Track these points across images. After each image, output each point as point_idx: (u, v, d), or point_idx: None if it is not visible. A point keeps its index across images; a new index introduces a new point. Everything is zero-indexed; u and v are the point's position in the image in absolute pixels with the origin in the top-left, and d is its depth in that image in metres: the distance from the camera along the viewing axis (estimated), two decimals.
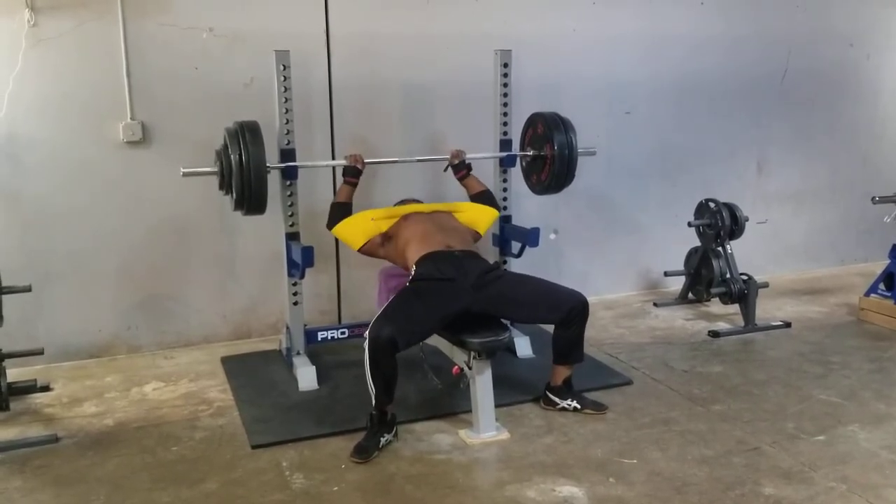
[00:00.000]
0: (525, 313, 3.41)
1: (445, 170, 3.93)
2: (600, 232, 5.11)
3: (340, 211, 3.67)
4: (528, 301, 3.32)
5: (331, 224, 3.68)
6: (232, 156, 3.26)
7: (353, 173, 3.69)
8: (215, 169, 3.39)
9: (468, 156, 3.90)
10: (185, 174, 3.38)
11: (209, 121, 4.04)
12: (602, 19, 4.81)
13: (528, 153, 3.98)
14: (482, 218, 3.80)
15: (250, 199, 3.31)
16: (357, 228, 3.64)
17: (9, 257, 3.78)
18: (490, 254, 4.09)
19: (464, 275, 3.29)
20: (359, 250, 3.67)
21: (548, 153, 3.83)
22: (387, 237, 3.63)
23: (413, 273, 3.37)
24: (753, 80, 5.34)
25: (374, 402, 3.04)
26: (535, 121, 3.96)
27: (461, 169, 3.87)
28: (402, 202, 3.95)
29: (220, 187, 3.43)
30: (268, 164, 3.34)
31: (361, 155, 3.70)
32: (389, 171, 4.39)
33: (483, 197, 3.88)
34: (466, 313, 3.19)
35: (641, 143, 5.09)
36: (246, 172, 3.24)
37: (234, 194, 3.32)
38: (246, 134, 3.28)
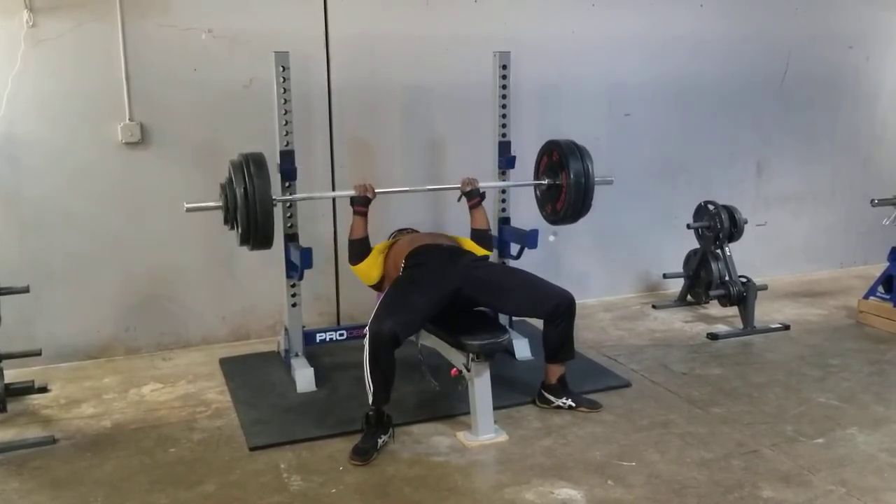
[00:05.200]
0: (511, 304, 3.42)
1: (459, 199, 3.80)
2: (599, 234, 5.11)
3: (360, 247, 3.57)
4: (515, 291, 3.33)
5: (355, 261, 3.60)
6: (237, 189, 3.16)
7: (362, 202, 3.54)
8: (219, 203, 3.29)
9: (481, 184, 3.77)
10: (188, 209, 3.30)
11: (208, 122, 4.06)
12: (602, 21, 4.80)
13: (543, 182, 3.88)
14: (475, 251, 3.73)
15: (256, 234, 3.21)
16: (374, 265, 3.59)
17: (7, 258, 3.78)
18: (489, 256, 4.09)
19: (453, 260, 3.39)
20: (372, 287, 3.63)
21: (563, 182, 3.74)
22: (385, 257, 3.63)
23: (404, 264, 3.41)
24: (753, 83, 5.34)
25: (371, 399, 3.04)
26: (550, 149, 3.87)
27: (474, 196, 3.73)
28: (401, 231, 3.93)
29: (225, 222, 3.32)
30: (274, 197, 3.28)
31: (372, 184, 3.58)
32: (388, 167, 4.40)
33: (482, 236, 3.77)
34: (457, 297, 3.23)
35: (641, 145, 5.09)
36: (252, 206, 3.14)
37: (240, 229, 3.23)
38: (251, 166, 3.19)
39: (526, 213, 4.30)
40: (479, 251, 3.70)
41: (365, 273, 3.61)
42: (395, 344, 3.00)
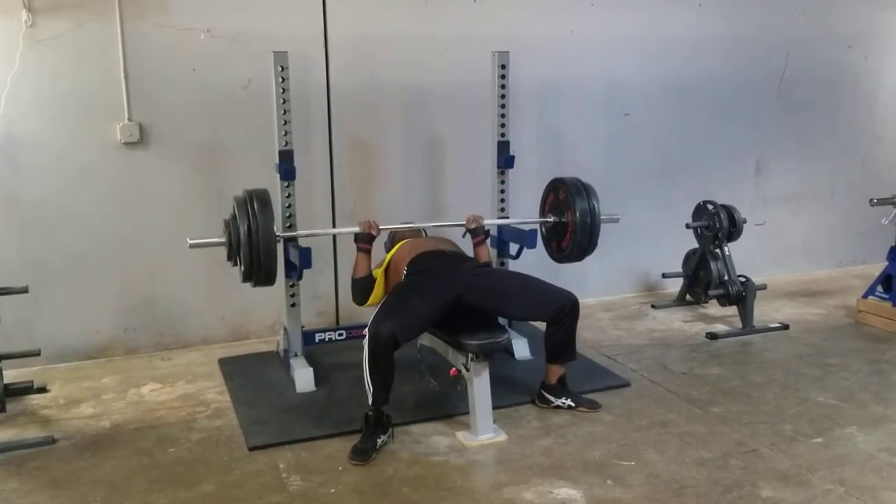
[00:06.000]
0: (514, 308, 3.42)
1: (464, 236, 3.75)
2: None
3: (364, 285, 3.50)
4: (517, 296, 3.33)
5: (360, 300, 3.52)
6: (240, 226, 3.16)
7: (366, 239, 3.48)
8: (223, 239, 3.29)
9: (486, 221, 3.74)
10: (191, 245, 3.31)
11: (207, 122, 4.06)
12: (601, 21, 4.80)
13: (549, 220, 3.88)
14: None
15: (259, 272, 3.21)
16: (379, 290, 3.52)
17: (6, 258, 3.79)
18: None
19: (455, 267, 3.37)
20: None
21: (569, 220, 3.74)
22: (386, 270, 3.58)
23: (406, 270, 3.40)
24: (752, 82, 5.34)
25: (370, 400, 3.04)
26: (556, 187, 3.87)
27: (479, 234, 3.67)
28: (402, 225, 3.90)
29: (229, 258, 3.32)
30: (277, 234, 3.28)
31: (376, 221, 3.53)
32: (390, 181, 4.39)
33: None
34: (459, 303, 3.22)
35: (640, 144, 5.09)
36: (255, 244, 3.15)
37: (243, 266, 3.23)
38: (255, 203, 3.18)
39: (526, 214, 4.30)
40: None
41: (372, 302, 3.52)
42: (393, 346, 3.00)
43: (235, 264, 3.31)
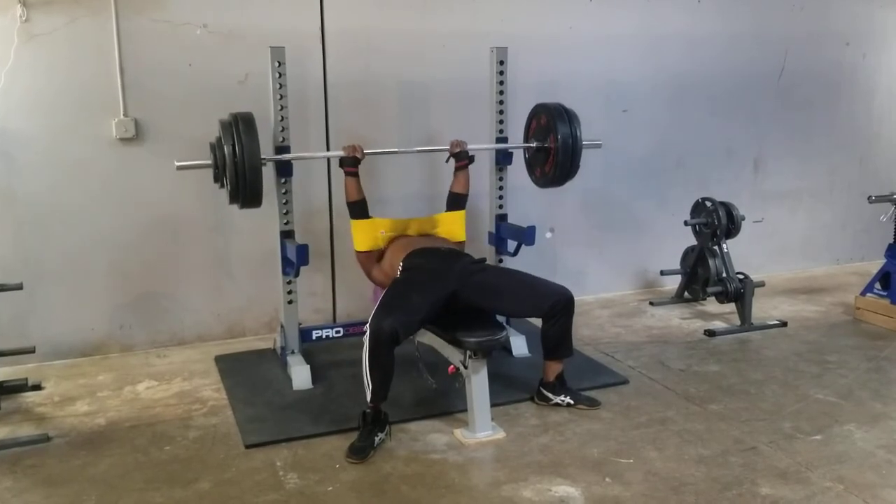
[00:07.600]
0: (509, 306, 3.42)
1: (448, 160, 3.86)
2: (596, 230, 5.10)
3: (357, 208, 3.63)
4: (511, 293, 3.33)
5: (353, 216, 3.66)
6: (226, 147, 3.20)
7: (351, 163, 3.60)
8: (209, 161, 3.34)
9: (471, 146, 3.82)
10: (179, 167, 3.35)
11: (203, 117, 4.01)
12: (599, 17, 4.79)
13: (532, 145, 3.92)
14: (456, 227, 3.79)
15: (245, 192, 3.24)
16: (369, 235, 3.63)
17: (1, 254, 3.76)
18: (486, 253, 4.08)
19: (450, 264, 3.38)
20: (358, 252, 3.67)
21: (552, 145, 3.77)
22: (381, 255, 3.64)
23: (401, 266, 3.41)
24: (750, 79, 5.33)
25: (369, 397, 3.03)
26: (538, 112, 3.90)
27: (463, 158, 3.79)
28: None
29: (216, 180, 3.37)
30: (263, 156, 3.30)
31: (360, 145, 3.62)
32: (386, 168, 4.38)
33: (458, 200, 3.82)
34: (455, 299, 3.23)
35: (638, 141, 5.08)
36: (240, 164, 3.18)
37: (229, 187, 3.26)
38: (240, 125, 3.22)
39: (524, 211, 4.29)
40: (458, 225, 3.75)
41: (359, 235, 3.63)
42: (394, 341, 2.99)
43: (222, 186, 3.34)
